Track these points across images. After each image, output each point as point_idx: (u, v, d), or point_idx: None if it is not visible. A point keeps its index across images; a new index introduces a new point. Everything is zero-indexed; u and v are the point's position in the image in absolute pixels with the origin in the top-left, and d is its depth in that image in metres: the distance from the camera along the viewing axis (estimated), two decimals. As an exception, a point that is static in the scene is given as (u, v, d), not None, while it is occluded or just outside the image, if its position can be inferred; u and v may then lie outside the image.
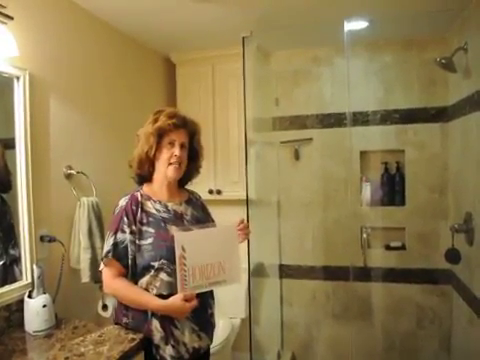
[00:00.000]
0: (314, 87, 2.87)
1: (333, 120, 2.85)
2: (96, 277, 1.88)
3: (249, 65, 2.38)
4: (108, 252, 1.50)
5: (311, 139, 2.89)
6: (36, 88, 1.77)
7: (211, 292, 1.62)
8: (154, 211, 1.56)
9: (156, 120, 1.56)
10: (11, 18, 1.57)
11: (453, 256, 2.31)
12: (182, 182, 1.70)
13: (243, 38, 2.35)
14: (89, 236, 1.92)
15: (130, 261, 1.49)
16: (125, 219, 1.51)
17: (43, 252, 1.78)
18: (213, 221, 1.73)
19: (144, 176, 1.63)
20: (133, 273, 1.50)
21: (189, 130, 1.62)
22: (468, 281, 2.28)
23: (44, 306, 1.60)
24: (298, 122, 2.91)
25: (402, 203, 2.76)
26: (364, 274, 2.77)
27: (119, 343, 1.45)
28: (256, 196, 2.59)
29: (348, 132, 2.70)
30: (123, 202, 1.56)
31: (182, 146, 1.58)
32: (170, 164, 1.56)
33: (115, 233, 1.51)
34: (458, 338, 2.54)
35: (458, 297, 2.47)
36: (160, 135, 1.55)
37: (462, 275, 2.40)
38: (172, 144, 1.56)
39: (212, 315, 1.63)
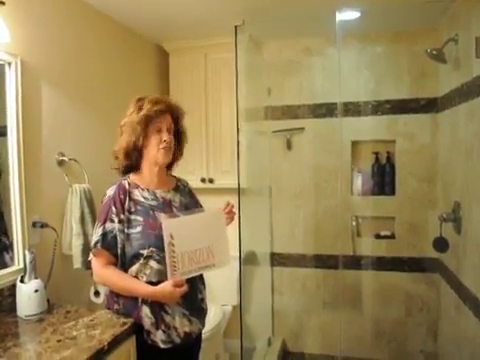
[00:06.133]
0: (306, 77, 2.89)
1: (325, 110, 2.87)
2: (88, 263, 1.88)
3: (241, 54, 2.39)
4: (97, 242, 1.51)
5: (303, 129, 2.91)
6: (28, 75, 1.77)
7: (201, 277, 1.63)
8: (142, 199, 1.56)
9: (140, 108, 1.54)
10: (3, 3, 1.56)
11: (441, 244, 2.36)
12: (168, 166, 1.71)
13: (235, 27, 2.35)
14: (81, 223, 1.94)
15: (119, 250, 1.50)
16: (113, 208, 1.52)
17: (35, 238, 1.79)
18: (201, 207, 1.74)
19: (131, 166, 1.62)
20: (122, 262, 1.51)
21: (174, 115, 1.62)
22: (455, 269, 2.33)
23: (36, 291, 1.62)
24: (290, 112, 2.93)
25: (392, 193, 2.80)
26: (354, 262, 2.82)
27: (111, 327, 1.47)
28: (248, 185, 2.62)
29: (339, 122, 2.73)
30: (110, 192, 1.56)
31: (169, 131, 1.59)
32: (161, 149, 1.56)
33: (104, 223, 1.51)
34: (445, 325, 2.59)
35: (446, 285, 2.52)
36: (146, 123, 1.54)
37: (449, 263, 2.45)
38: (159, 130, 1.56)
39: (203, 300, 1.64)
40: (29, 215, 1.76)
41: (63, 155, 1.98)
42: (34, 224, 1.79)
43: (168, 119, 1.59)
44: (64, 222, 1.96)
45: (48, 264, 1.82)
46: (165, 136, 1.56)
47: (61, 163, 1.98)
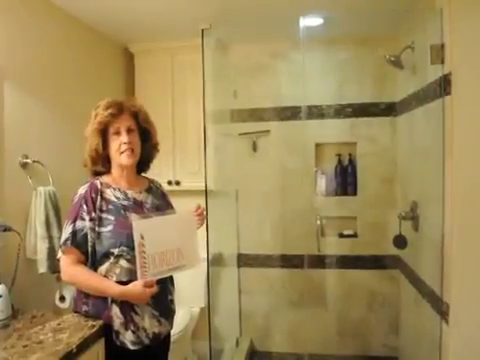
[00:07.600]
0: (271, 81, 2.94)
1: (290, 113, 2.93)
2: (53, 267, 1.86)
3: (208, 57, 2.40)
4: (66, 240, 1.50)
5: (268, 131, 2.97)
6: (-11, 75, 1.73)
7: (171, 278, 1.65)
8: (114, 198, 1.57)
9: (96, 115, 1.57)
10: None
11: (400, 242, 2.45)
12: (142, 166, 1.72)
13: (202, 30, 2.36)
14: (46, 226, 1.90)
15: (90, 248, 1.49)
16: (84, 207, 1.51)
17: (-2, 242, 1.75)
18: (173, 209, 1.75)
19: (102, 172, 1.63)
20: (93, 261, 1.50)
21: (130, 113, 1.61)
22: (413, 264, 2.44)
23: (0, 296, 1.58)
24: (256, 114, 2.98)
25: (354, 193, 2.90)
26: (319, 261, 2.89)
27: (79, 330, 1.45)
28: (215, 187, 2.63)
29: (304, 125, 2.80)
30: (82, 190, 1.56)
31: (129, 131, 1.58)
32: (122, 152, 1.56)
33: (74, 221, 1.51)
34: (406, 319, 2.70)
35: (405, 280, 2.64)
36: (104, 128, 1.56)
37: (408, 259, 2.56)
38: (118, 133, 1.57)
39: (172, 301, 1.65)
40: (-9, 218, 1.71)
41: (27, 157, 1.93)
42: (-4, 228, 1.74)
43: (126, 119, 1.59)
44: (28, 226, 1.91)
45: (12, 269, 1.77)
46: (124, 137, 1.56)
47: (25, 165, 1.93)
